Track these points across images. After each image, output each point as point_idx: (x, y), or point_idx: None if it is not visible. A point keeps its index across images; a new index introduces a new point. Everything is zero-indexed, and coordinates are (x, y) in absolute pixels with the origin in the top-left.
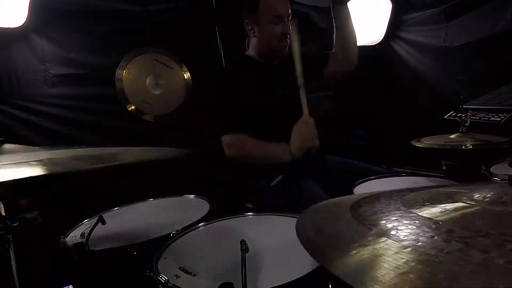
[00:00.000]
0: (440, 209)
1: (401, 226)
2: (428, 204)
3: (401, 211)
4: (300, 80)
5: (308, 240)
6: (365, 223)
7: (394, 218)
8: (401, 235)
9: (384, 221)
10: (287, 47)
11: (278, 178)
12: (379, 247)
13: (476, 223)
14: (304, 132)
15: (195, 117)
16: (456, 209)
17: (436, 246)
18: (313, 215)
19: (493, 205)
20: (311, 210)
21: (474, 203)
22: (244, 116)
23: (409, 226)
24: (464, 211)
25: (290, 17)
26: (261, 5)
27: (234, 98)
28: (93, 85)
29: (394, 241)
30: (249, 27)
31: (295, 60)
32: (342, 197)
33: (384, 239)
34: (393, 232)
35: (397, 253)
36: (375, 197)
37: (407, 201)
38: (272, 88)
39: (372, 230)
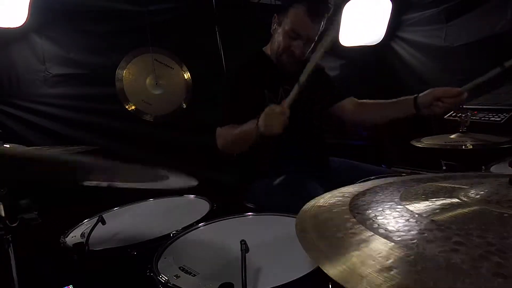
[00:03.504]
0: (435, 206)
1: (394, 223)
2: (424, 199)
3: (397, 206)
4: (302, 78)
5: (306, 237)
6: (361, 219)
7: (388, 213)
8: (392, 233)
9: (377, 217)
10: (293, 63)
11: (281, 178)
12: (369, 246)
13: (468, 223)
14: (271, 116)
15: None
16: (450, 208)
17: (428, 247)
18: (313, 210)
19: (489, 204)
20: (312, 204)
21: (470, 201)
22: (247, 111)
23: (400, 223)
24: (459, 211)
25: (312, 40)
26: (289, 12)
27: (243, 93)
28: (93, 85)
29: (385, 240)
30: (274, 23)
31: (308, 65)
32: (346, 187)
33: (375, 237)
34: (382, 231)
35: (384, 251)
36: (374, 191)
37: (406, 195)
38: (279, 89)
39: (365, 227)
